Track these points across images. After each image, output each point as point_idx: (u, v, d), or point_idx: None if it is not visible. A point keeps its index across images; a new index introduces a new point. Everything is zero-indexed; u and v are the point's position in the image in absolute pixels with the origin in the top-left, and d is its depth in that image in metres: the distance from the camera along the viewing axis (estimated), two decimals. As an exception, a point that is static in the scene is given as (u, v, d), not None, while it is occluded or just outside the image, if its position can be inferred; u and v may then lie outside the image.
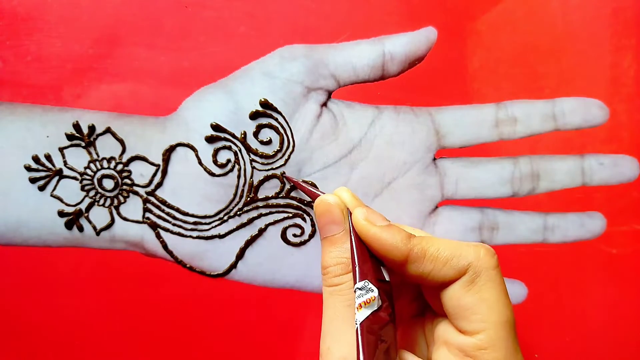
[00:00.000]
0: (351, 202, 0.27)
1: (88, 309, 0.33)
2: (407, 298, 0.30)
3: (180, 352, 0.34)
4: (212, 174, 0.33)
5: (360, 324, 0.24)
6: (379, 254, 0.26)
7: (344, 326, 0.25)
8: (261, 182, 0.33)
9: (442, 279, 0.25)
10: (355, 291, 0.24)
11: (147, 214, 0.33)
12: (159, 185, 0.33)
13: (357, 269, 0.25)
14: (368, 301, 0.24)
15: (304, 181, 0.33)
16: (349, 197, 0.28)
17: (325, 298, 0.26)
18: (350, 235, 0.26)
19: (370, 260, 0.25)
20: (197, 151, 0.33)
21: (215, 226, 0.33)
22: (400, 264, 0.25)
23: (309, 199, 0.34)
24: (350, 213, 0.27)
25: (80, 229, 0.33)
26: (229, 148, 0.33)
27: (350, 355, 0.24)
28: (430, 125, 0.35)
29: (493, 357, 0.24)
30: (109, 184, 0.33)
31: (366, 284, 0.24)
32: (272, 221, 0.34)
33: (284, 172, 0.33)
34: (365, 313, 0.24)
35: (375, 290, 0.24)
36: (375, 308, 0.24)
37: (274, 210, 0.34)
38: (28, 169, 0.32)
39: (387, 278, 0.26)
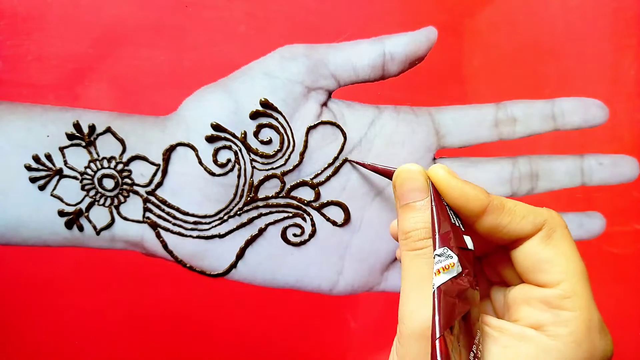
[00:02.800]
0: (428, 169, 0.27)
1: (88, 309, 0.33)
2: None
3: (180, 352, 0.34)
4: (212, 174, 0.33)
5: (437, 287, 0.23)
6: (458, 204, 0.26)
7: (430, 288, 0.24)
8: (261, 182, 0.33)
9: (519, 233, 0.25)
10: (434, 257, 0.24)
11: (147, 214, 0.33)
12: (159, 185, 0.33)
13: (437, 236, 0.25)
14: (447, 267, 0.24)
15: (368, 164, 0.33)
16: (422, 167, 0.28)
17: (406, 262, 0.26)
18: (432, 203, 0.26)
19: (452, 228, 0.25)
20: (197, 151, 0.33)
21: (216, 226, 0.33)
22: (477, 215, 0.25)
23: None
24: (430, 178, 0.27)
25: (80, 228, 0.33)
26: (229, 148, 0.33)
27: None
28: (430, 125, 0.35)
29: (578, 304, 0.24)
30: (109, 183, 0.33)
31: (445, 250, 0.24)
32: (272, 221, 0.34)
33: (346, 158, 0.34)
34: (443, 278, 0.24)
35: (455, 256, 0.24)
36: (455, 274, 0.24)
37: (274, 210, 0.34)
38: (28, 168, 0.32)
39: (469, 246, 0.25)
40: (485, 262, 0.29)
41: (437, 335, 0.22)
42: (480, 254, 0.29)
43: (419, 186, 0.26)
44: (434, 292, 0.23)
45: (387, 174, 0.30)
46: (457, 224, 0.26)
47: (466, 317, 0.24)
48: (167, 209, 0.33)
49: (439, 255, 0.24)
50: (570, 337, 0.24)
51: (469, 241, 0.26)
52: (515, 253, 0.26)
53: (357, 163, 0.33)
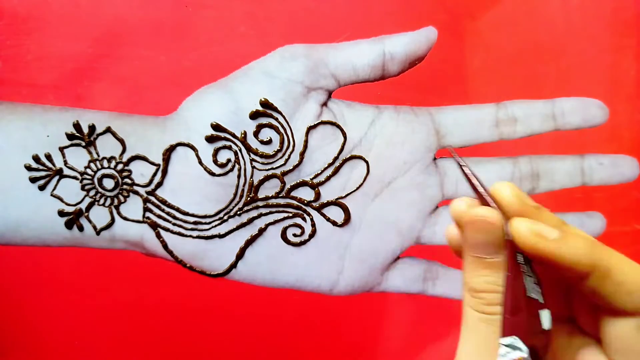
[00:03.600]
0: (513, 207, 0.22)
1: (88, 308, 0.33)
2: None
3: (180, 352, 0.34)
4: (212, 174, 0.33)
5: None
6: (555, 273, 0.22)
7: (492, 358, 0.21)
8: (261, 182, 0.33)
9: (616, 307, 0.22)
10: (499, 346, 0.21)
11: (147, 214, 0.33)
12: (159, 185, 0.33)
13: (506, 318, 0.21)
14: None
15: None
16: (512, 198, 0.23)
17: (470, 321, 0.22)
18: (506, 270, 0.22)
19: (526, 307, 0.21)
20: (197, 151, 0.33)
21: (216, 226, 0.33)
22: (577, 280, 0.22)
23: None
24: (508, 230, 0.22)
25: (80, 228, 0.33)
26: (229, 148, 0.33)
27: None
28: (431, 125, 0.35)
29: None
30: (109, 183, 0.33)
31: (514, 340, 0.21)
32: (272, 221, 0.34)
33: (450, 146, 0.30)
34: None
35: (525, 350, 0.20)
36: None
37: (274, 210, 0.34)
38: (28, 168, 0.32)
39: (545, 326, 0.21)
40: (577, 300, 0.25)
41: None
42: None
43: (496, 242, 0.22)
44: None
45: (477, 195, 0.24)
46: (535, 296, 0.22)
47: None
48: (167, 209, 0.33)
49: (505, 345, 0.21)
50: None
51: (545, 318, 0.22)
52: (607, 322, 0.22)
53: (457, 159, 0.26)
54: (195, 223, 0.33)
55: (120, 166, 0.33)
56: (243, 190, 0.33)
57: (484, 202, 0.23)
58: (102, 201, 0.33)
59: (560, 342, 0.24)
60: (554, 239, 0.21)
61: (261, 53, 0.33)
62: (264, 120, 0.33)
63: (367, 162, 0.34)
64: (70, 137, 0.32)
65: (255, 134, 0.33)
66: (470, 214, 0.22)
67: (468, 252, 0.23)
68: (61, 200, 0.32)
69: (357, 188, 0.34)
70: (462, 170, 0.26)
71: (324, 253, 0.34)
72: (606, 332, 0.22)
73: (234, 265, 0.34)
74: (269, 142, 0.33)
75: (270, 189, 0.34)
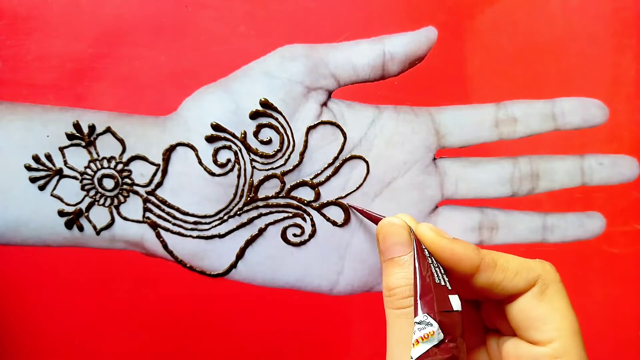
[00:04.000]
0: (413, 223, 0.27)
1: (88, 308, 0.33)
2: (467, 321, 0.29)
3: (180, 352, 0.34)
4: (212, 174, 0.33)
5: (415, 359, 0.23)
6: (449, 264, 0.25)
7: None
8: (261, 182, 0.33)
9: (512, 290, 0.25)
10: (414, 324, 0.24)
11: (147, 214, 0.33)
12: (159, 184, 0.33)
13: (418, 302, 0.24)
14: (426, 336, 0.23)
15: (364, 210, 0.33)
16: (410, 219, 0.28)
17: (391, 321, 0.25)
18: (414, 261, 0.25)
19: (435, 289, 0.24)
20: (197, 151, 0.33)
21: (215, 226, 0.33)
22: (470, 275, 0.25)
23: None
24: (414, 233, 0.26)
25: (80, 228, 0.33)
26: (229, 148, 0.33)
27: None
28: (430, 125, 0.35)
29: None
30: (109, 183, 0.33)
31: (425, 317, 0.23)
32: (272, 221, 0.34)
33: (349, 204, 0.34)
34: (422, 348, 0.23)
35: (435, 324, 0.23)
36: (435, 343, 0.23)
37: (274, 210, 0.34)
38: (28, 168, 0.32)
39: (455, 307, 0.25)
40: (482, 309, 0.29)
41: None
42: (476, 301, 0.29)
43: (401, 240, 0.26)
44: None
45: (374, 221, 0.29)
46: (443, 283, 0.25)
47: None
48: (167, 209, 0.33)
49: (418, 323, 0.23)
50: None
51: (455, 301, 0.25)
52: (509, 308, 0.26)
53: (354, 209, 0.33)
54: (195, 223, 0.33)
55: (120, 166, 0.33)
56: (243, 190, 0.33)
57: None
58: (102, 201, 0.33)
59: (487, 347, 0.28)
60: (449, 238, 0.26)
61: (261, 53, 0.33)
62: (264, 120, 0.33)
63: (367, 162, 0.34)
64: (70, 137, 0.32)
65: (255, 134, 0.33)
66: (379, 224, 0.27)
67: (383, 258, 0.27)
68: (61, 200, 0.32)
69: (357, 188, 0.34)
70: (363, 214, 0.32)
71: (324, 253, 0.34)
72: (513, 317, 0.26)
73: (234, 265, 0.34)
74: (269, 142, 0.33)
75: (270, 189, 0.34)
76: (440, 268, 0.26)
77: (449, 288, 0.25)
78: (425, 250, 0.26)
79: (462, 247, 0.26)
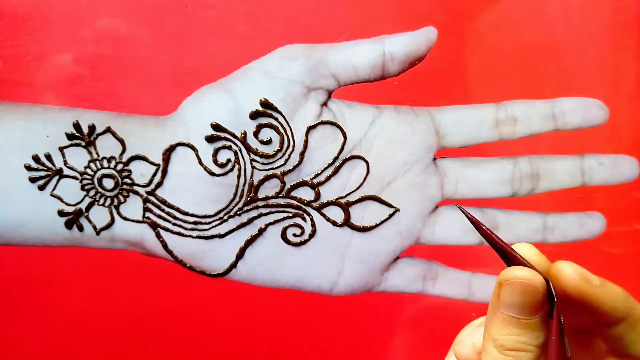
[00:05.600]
0: (543, 262, 0.22)
1: (88, 309, 0.33)
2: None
3: (180, 352, 0.34)
4: (212, 174, 0.33)
5: None
6: (593, 315, 0.22)
7: None
8: (261, 182, 0.33)
9: (634, 354, 0.23)
10: None
11: (147, 214, 0.33)
12: (159, 184, 0.33)
13: None
14: None
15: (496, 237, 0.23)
16: (539, 257, 0.22)
17: None
18: (554, 335, 0.21)
19: None
20: (197, 151, 0.33)
21: (215, 226, 0.33)
22: (607, 327, 0.23)
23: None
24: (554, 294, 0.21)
25: (80, 228, 0.33)
26: (229, 148, 0.33)
27: None
28: (431, 125, 0.35)
29: None
30: (109, 183, 0.33)
31: None
32: (272, 221, 0.34)
33: (459, 206, 0.27)
34: None
35: None
36: None
37: (274, 210, 0.34)
38: (28, 168, 0.32)
39: None
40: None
41: None
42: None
43: (534, 304, 0.21)
44: None
45: (503, 257, 0.23)
46: (569, 354, 0.21)
47: None
48: (167, 209, 0.33)
49: None
50: None
51: None
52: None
53: (471, 218, 0.24)
54: (195, 223, 0.33)
55: (120, 166, 0.33)
56: (243, 190, 0.33)
57: (515, 262, 0.22)
58: (102, 201, 0.33)
59: None
60: (597, 284, 0.22)
61: (261, 53, 0.33)
62: (264, 120, 0.33)
63: (367, 162, 0.34)
64: (70, 137, 0.32)
65: (255, 134, 0.33)
66: (509, 275, 0.22)
67: (502, 310, 0.22)
68: (61, 200, 0.32)
69: (357, 188, 0.34)
70: (487, 235, 0.24)
71: (324, 253, 0.34)
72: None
73: (234, 265, 0.34)
74: (269, 142, 0.33)
75: (270, 189, 0.34)
76: (565, 336, 0.21)
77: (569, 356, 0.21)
78: (561, 318, 0.21)
79: (613, 298, 0.22)
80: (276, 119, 0.33)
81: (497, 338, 0.22)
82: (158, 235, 0.33)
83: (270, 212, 0.34)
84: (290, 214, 0.34)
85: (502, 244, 0.23)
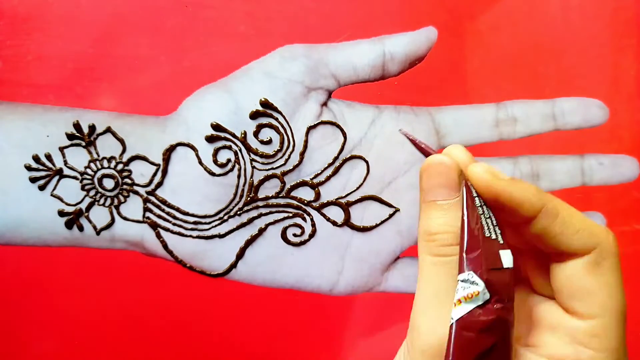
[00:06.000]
0: (467, 160, 0.23)
1: (88, 309, 0.33)
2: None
3: (180, 352, 0.34)
4: (212, 174, 0.33)
5: (455, 321, 0.21)
6: (507, 210, 0.22)
7: (451, 302, 0.21)
8: (261, 182, 0.33)
9: (565, 248, 0.22)
10: (457, 282, 0.21)
11: (147, 214, 0.33)
12: (159, 184, 0.33)
13: (464, 257, 0.21)
14: (469, 296, 0.21)
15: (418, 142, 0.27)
16: (464, 154, 0.24)
17: (426, 268, 0.23)
18: (463, 211, 0.22)
19: (483, 244, 0.22)
20: (197, 151, 0.33)
21: (216, 226, 0.33)
22: (526, 222, 0.22)
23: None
24: (465, 176, 0.23)
25: (80, 228, 0.33)
26: (229, 148, 0.33)
27: None
28: (431, 125, 0.35)
29: (605, 346, 0.22)
30: (109, 183, 0.33)
31: (470, 275, 0.21)
32: (272, 221, 0.34)
33: (401, 129, 0.29)
34: (464, 309, 0.21)
35: (481, 283, 0.21)
36: (479, 303, 0.21)
37: (274, 210, 0.34)
38: (28, 168, 0.32)
39: (506, 264, 0.22)
40: (523, 257, 0.26)
41: None
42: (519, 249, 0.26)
43: (448, 183, 0.23)
44: (451, 324, 0.21)
45: (425, 155, 0.25)
46: (494, 236, 0.22)
47: (492, 350, 0.21)
48: (167, 209, 0.33)
49: (462, 281, 0.21)
50: None
51: (507, 257, 0.22)
52: (556, 268, 0.23)
53: (406, 135, 0.28)
54: (195, 223, 0.33)
55: (120, 166, 0.33)
56: (243, 190, 0.33)
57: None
58: (102, 201, 0.33)
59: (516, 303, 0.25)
60: (507, 179, 0.22)
61: (261, 53, 0.33)
62: (264, 120, 0.33)
63: (367, 162, 0.34)
64: (70, 137, 0.32)
65: (255, 134, 0.33)
66: (425, 163, 0.23)
67: (424, 198, 0.23)
68: (61, 200, 0.32)
69: (357, 188, 0.34)
70: (413, 143, 0.27)
71: (324, 253, 0.34)
72: (557, 279, 0.23)
73: (234, 265, 0.34)
74: (269, 142, 0.33)
75: (270, 189, 0.34)
76: (493, 219, 0.23)
77: (501, 242, 0.22)
78: (477, 198, 0.23)
79: (522, 190, 0.22)
80: (276, 119, 0.33)
81: (423, 225, 0.23)
82: (158, 235, 0.33)
83: (270, 212, 0.34)
84: (290, 214, 0.34)
85: (424, 147, 0.26)
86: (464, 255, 0.21)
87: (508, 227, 0.23)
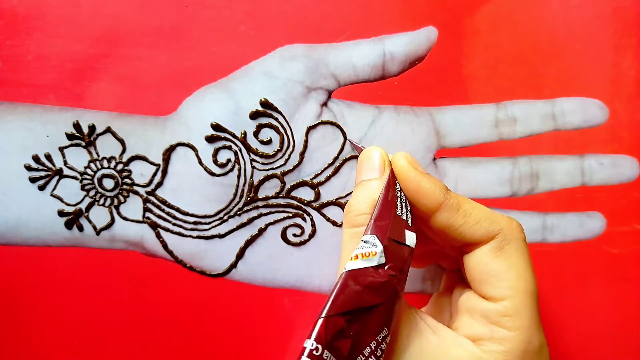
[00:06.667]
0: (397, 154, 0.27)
1: (88, 309, 0.33)
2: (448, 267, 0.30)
3: (180, 352, 0.34)
4: (212, 174, 0.33)
5: (346, 271, 0.22)
6: (413, 198, 0.25)
7: None
8: (261, 182, 0.33)
9: (469, 237, 0.25)
10: (360, 241, 0.23)
11: (147, 214, 0.33)
12: (159, 185, 0.33)
13: (371, 222, 0.24)
14: (367, 254, 0.23)
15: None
16: (402, 155, 0.27)
17: (345, 240, 0.25)
18: (382, 188, 0.25)
19: (393, 219, 0.24)
20: (197, 151, 0.33)
21: (216, 226, 0.33)
22: (430, 211, 0.25)
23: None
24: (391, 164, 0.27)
25: (80, 228, 0.33)
26: (229, 148, 0.33)
27: None
28: (430, 125, 0.35)
29: (517, 325, 0.23)
30: (109, 183, 0.33)
31: (372, 238, 0.23)
32: (272, 221, 0.34)
33: (349, 139, 0.33)
34: (358, 264, 0.22)
35: (380, 247, 0.23)
36: (374, 264, 0.23)
37: (274, 210, 0.34)
38: (28, 168, 0.32)
39: (408, 242, 0.24)
40: (450, 257, 0.29)
41: (322, 315, 0.21)
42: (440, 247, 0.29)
43: (374, 166, 0.26)
44: (341, 274, 0.22)
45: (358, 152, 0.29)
46: (405, 217, 0.25)
47: (372, 311, 0.22)
48: (167, 209, 0.33)
49: (364, 242, 0.23)
50: (502, 356, 0.23)
51: (410, 237, 0.24)
52: (466, 259, 0.26)
53: (351, 142, 0.33)
54: (195, 223, 0.33)
55: (120, 166, 0.33)
56: (243, 190, 0.33)
57: None
58: (102, 201, 0.33)
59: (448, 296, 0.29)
60: (420, 171, 0.26)
61: (261, 53, 0.33)
62: (264, 120, 0.33)
63: None
64: (70, 137, 0.32)
65: (255, 134, 0.33)
66: (363, 150, 0.28)
67: (355, 181, 0.27)
68: (61, 200, 0.32)
69: None
70: (350, 142, 0.32)
71: (324, 253, 0.34)
72: (468, 268, 0.25)
73: (234, 265, 0.34)
74: (269, 142, 0.33)
75: (270, 189, 0.34)
76: (407, 205, 0.25)
77: (409, 224, 0.25)
78: (398, 184, 0.26)
79: (430, 182, 0.25)
80: (276, 119, 0.33)
81: (348, 202, 0.26)
82: (158, 236, 0.33)
83: (270, 212, 0.34)
84: (290, 214, 0.34)
85: (360, 147, 0.30)
86: (372, 221, 0.24)
87: (421, 227, 0.26)
